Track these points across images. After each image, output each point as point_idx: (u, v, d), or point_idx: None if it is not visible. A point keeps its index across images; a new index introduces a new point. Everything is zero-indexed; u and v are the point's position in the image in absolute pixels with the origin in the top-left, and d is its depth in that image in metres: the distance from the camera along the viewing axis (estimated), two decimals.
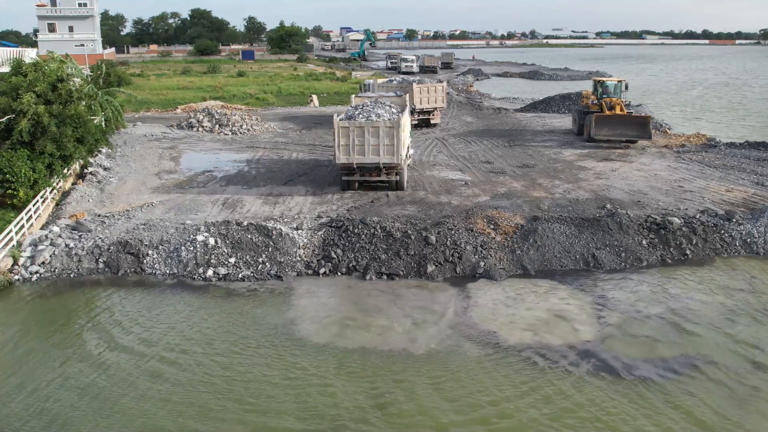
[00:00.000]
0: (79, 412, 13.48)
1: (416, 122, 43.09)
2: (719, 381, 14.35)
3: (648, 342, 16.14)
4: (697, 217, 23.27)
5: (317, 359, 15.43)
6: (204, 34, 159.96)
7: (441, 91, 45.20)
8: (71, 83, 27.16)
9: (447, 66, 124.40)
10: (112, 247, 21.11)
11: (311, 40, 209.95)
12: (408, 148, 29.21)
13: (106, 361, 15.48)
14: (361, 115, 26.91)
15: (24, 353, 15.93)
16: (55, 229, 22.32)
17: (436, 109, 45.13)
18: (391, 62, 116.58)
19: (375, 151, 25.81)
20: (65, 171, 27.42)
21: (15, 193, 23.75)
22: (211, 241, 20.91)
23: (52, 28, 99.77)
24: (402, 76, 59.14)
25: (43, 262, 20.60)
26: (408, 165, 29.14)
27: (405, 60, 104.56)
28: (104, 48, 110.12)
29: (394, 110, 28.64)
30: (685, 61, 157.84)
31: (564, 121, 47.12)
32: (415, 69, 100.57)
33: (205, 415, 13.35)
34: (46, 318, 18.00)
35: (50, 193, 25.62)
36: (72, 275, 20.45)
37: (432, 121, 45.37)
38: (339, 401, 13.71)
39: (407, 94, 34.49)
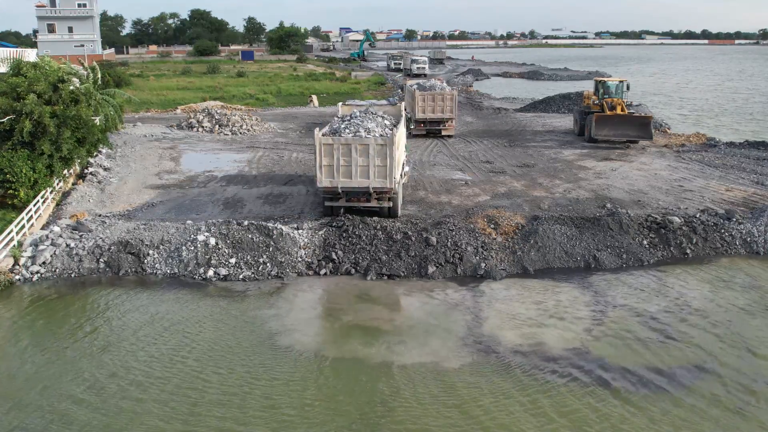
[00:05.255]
0: (76, 412, 13.47)
1: (423, 132, 40.08)
2: (721, 388, 14.15)
3: (651, 346, 16.07)
4: (698, 216, 23.30)
5: (313, 367, 15.20)
6: (203, 34, 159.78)
7: (450, 100, 39.41)
8: (71, 84, 27.16)
9: (439, 62, 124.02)
10: (112, 247, 21.11)
11: (310, 40, 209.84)
12: (403, 165, 25.70)
13: (103, 362, 15.44)
14: (347, 129, 22.96)
15: (24, 353, 15.93)
16: (56, 229, 22.32)
17: (445, 119, 39.80)
18: (394, 63, 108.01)
19: (364, 173, 21.91)
20: (65, 171, 27.42)
21: (15, 193, 23.75)
22: (212, 241, 20.90)
23: (51, 29, 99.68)
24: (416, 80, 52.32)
25: (44, 262, 20.60)
26: (403, 184, 25.71)
27: (415, 61, 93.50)
28: (104, 48, 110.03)
29: (387, 122, 25.07)
30: (682, 62, 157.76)
31: (564, 121, 47.15)
32: (428, 71, 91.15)
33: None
34: (47, 318, 17.97)
35: (51, 193, 25.61)
36: (73, 275, 20.45)
37: (443, 133, 40.27)
38: (333, 413, 13.41)
39: (402, 103, 30.68)
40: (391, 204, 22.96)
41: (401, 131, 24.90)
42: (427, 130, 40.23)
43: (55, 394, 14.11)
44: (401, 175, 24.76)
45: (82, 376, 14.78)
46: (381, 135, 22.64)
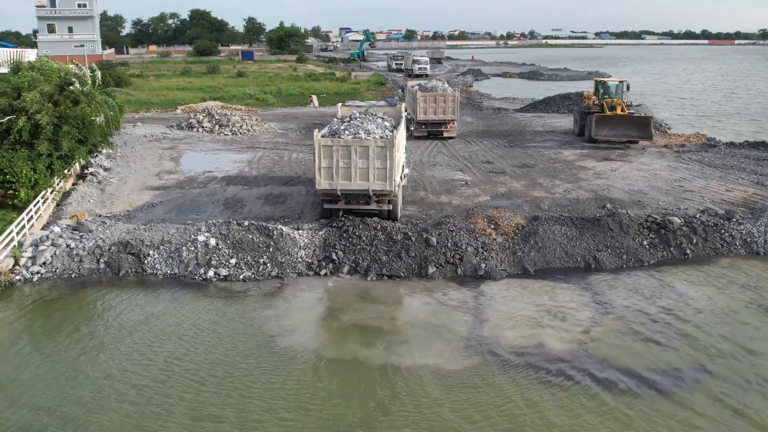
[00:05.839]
0: (74, 413, 13.46)
1: (425, 133, 39.68)
2: (718, 391, 14.09)
3: (650, 347, 16.05)
4: (698, 216, 23.32)
5: (311, 370, 15.09)
6: (203, 34, 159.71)
7: (452, 101, 38.82)
8: (74, 85, 27.21)
9: (437, 62, 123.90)
10: (113, 248, 21.12)
11: (310, 40, 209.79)
12: (403, 167, 25.33)
13: (100, 364, 15.43)
14: (347, 131, 22.60)
15: (23, 354, 15.93)
16: (56, 229, 22.33)
17: (447, 121, 39.27)
18: (396, 63, 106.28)
19: (363, 175, 21.55)
20: (66, 171, 27.43)
21: (16, 193, 23.76)
22: (212, 241, 20.90)
23: (51, 29, 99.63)
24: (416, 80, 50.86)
25: (44, 263, 20.61)
26: (403, 186, 25.22)
27: (417, 61, 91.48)
28: (104, 49, 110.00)
29: (387, 124, 24.60)
30: (681, 62, 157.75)
31: (564, 121, 47.16)
32: (429, 72, 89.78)
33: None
34: (47, 319, 17.97)
35: (51, 193, 25.62)
36: (73, 275, 20.45)
37: (445, 134, 39.76)
38: (330, 418, 13.26)
39: (402, 104, 30.14)
40: (390, 207, 22.63)
41: (401, 133, 24.60)
42: (428, 131, 39.83)
43: (52, 395, 14.06)
44: (401, 177, 24.44)
45: (79, 378, 14.74)
46: (381, 137, 22.31)
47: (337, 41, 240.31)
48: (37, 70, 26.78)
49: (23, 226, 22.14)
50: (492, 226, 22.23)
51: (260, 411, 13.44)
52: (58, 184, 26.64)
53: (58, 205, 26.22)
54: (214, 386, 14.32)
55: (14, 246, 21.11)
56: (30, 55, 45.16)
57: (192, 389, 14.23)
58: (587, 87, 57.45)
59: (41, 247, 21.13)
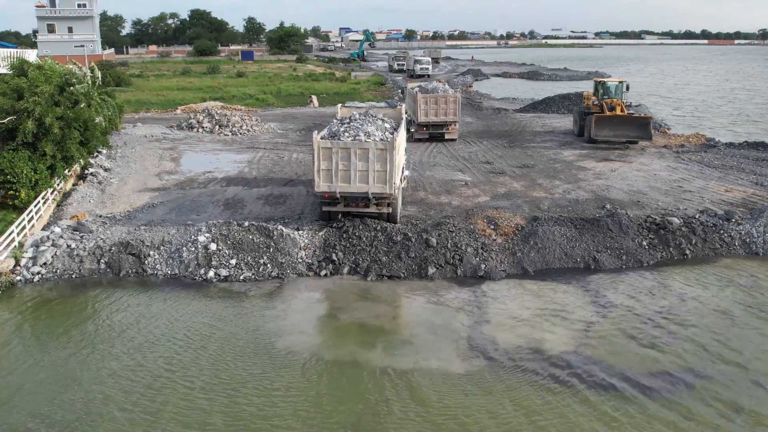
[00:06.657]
0: (73, 415, 13.44)
1: (426, 136, 39.07)
2: (711, 394, 14.01)
3: (649, 349, 16.06)
4: (697, 217, 23.36)
5: (307, 373, 14.99)
6: (203, 34, 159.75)
7: (453, 103, 38.31)
8: (75, 85, 27.24)
9: (435, 61, 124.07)
10: (113, 248, 21.16)
11: (310, 40, 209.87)
12: (403, 170, 25.08)
13: (103, 364, 15.45)
14: (347, 133, 22.29)
15: (21, 355, 15.95)
16: (57, 229, 22.37)
17: (448, 123, 38.79)
18: (398, 64, 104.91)
19: (363, 178, 21.26)
20: (66, 172, 27.46)
21: (16, 194, 23.79)
22: (213, 244, 20.93)
23: (51, 29, 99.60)
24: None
25: (44, 263, 20.65)
26: (402, 188, 24.91)
27: (419, 61, 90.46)
28: (103, 49, 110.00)
29: (388, 125, 24.31)
30: (681, 63, 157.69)
31: (563, 122, 47.19)
32: (431, 72, 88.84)
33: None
34: (48, 319, 18.00)
35: (51, 194, 25.65)
36: (74, 276, 20.48)
37: (447, 136, 39.27)
38: (323, 423, 13.10)
39: (403, 105, 29.27)
40: (390, 210, 22.37)
41: (401, 135, 24.30)
42: (429, 133, 39.27)
43: (44, 398, 13.89)
44: (401, 179, 24.16)
45: (69, 382, 14.61)
46: (381, 139, 21.94)
47: (337, 41, 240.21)
48: (41, 70, 26.79)
49: (24, 227, 22.19)
50: (492, 227, 22.28)
51: (249, 416, 13.26)
52: (58, 185, 26.69)
53: (58, 205, 26.26)
54: (203, 390, 14.17)
55: (15, 246, 21.15)
56: (30, 55, 45.18)
57: (180, 393, 14.08)
58: (587, 87, 57.51)
59: (42, 248, 21.17)
